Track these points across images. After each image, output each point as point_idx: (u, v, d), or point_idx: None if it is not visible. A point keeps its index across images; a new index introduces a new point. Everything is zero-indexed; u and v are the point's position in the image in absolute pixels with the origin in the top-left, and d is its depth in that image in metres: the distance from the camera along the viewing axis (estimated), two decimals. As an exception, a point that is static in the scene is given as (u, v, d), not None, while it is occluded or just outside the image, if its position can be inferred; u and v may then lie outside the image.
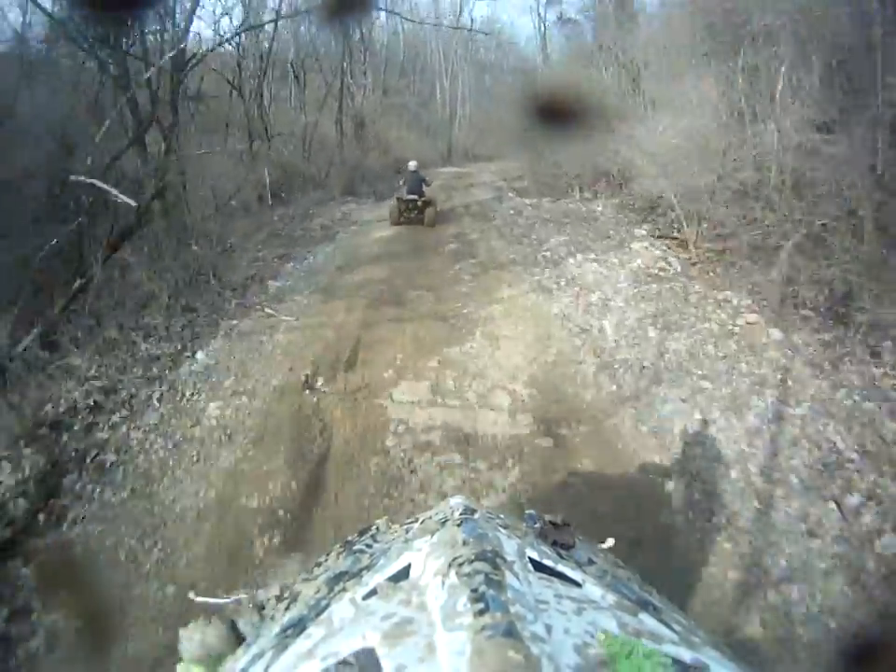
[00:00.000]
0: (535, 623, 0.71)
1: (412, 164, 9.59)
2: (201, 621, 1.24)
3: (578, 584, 0.94)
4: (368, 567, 1.06)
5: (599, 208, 9.61)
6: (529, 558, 0.96)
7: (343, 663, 0.73)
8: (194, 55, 9.01)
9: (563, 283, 5.95)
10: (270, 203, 12.53)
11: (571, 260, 6.55)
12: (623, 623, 0.82)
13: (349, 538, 1.41)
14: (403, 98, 23.60)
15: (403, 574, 0.93)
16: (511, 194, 12.86)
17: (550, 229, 8.41)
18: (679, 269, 6.11)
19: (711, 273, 6.11)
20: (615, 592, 0.94)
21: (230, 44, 13.68)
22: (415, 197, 9.19)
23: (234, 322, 5.35)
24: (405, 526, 1.26)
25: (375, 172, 16.88)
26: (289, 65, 16.96)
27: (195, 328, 5.18)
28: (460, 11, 24.68)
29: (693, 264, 6.33)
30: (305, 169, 15.47)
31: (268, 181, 13.09)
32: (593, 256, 6.65)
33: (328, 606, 0.93)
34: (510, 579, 0.80)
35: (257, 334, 5.12)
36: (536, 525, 1.20)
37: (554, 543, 1.13)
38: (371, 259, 7.43)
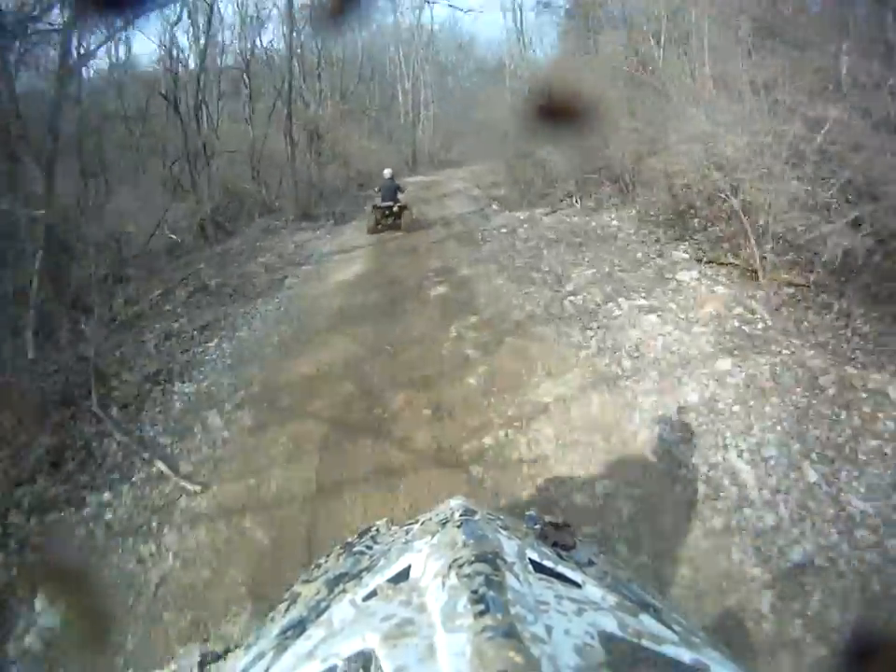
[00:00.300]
0: (535, 624, 0.69)
1: (386, 172, 9.68)
2: None
3: (578, 585, 0.90)
4: (368, 569, 1.03)
5: (613, 222, 7.76)
6: (529, 559, 0.92)
7: (343, 663, 0.72)
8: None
9: (625, 360, 3.86)
10: (211, 236, 10.50)
11: (616, 311, 4.52)
12: (624, 625, 0.79)
13: (349, 539, 1.36)
14: (363, 103, 21.74)
15: (403, 575, 0.89)
16: (494, 206, 11.03)
17: (563, 255, 6.47)
18: (767, 320, 4.20)
19: (806, 324, 4.25)
20: (615, 593, 0.90)
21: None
22: (391, 203, 9.25)
23: (103, 500, 3.11)
24: (405, 528, 1.22)
25: (334, 188, 14.96)
26: (242, 74, 14.93)
27: (32, 534, 2.90)
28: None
29: (777, 309, 4.45)
30: (254, 191, 13.49)
31: (208, 209, 11.03)
32: (641, 300, 4.66)
33: (328, 607, 0.92)
34: (510, 580, 0.78)
35: (134, 536, 2.87)
36: (536, 526, 1.16)
37: (555, 544, 1.08)
38: (331, 323, 5.30)
